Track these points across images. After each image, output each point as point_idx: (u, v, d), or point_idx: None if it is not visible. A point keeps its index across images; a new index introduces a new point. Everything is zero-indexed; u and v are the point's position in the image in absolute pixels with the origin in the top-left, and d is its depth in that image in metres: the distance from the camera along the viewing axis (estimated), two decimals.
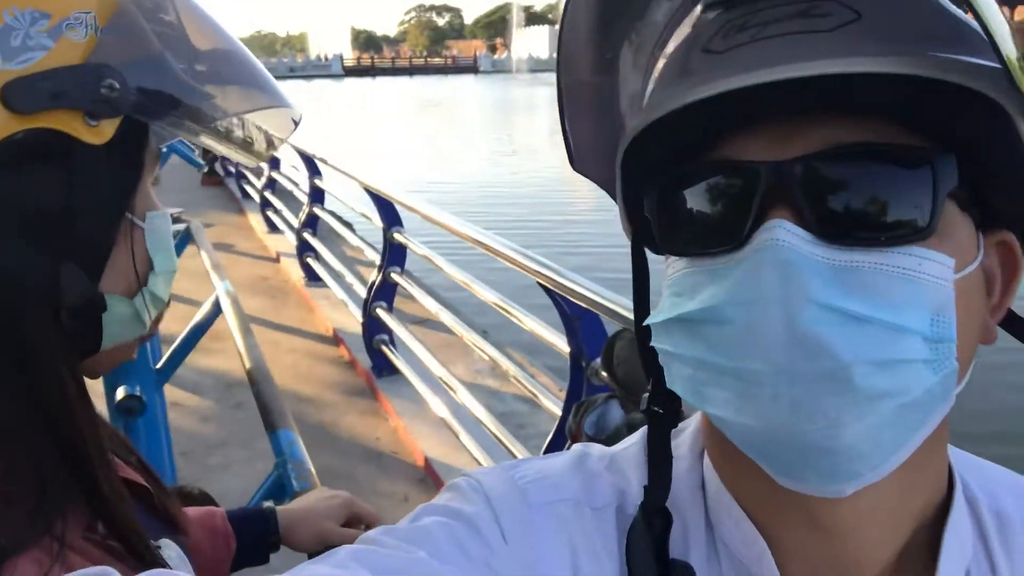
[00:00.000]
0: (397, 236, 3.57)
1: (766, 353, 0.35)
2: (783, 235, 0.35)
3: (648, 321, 0.43)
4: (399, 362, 3.51)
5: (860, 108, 0.37)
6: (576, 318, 2.05)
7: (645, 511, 0.44)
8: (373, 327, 3.72)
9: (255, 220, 7.45)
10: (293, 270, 5.65)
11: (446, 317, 3.14)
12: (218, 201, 9.00)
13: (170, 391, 2.09)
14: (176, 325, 1.78)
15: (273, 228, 6.85)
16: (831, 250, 0.36)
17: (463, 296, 3.43)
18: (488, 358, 2.77)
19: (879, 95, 0.36)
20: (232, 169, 9.20)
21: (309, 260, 5.33)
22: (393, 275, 3.65)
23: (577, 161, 0.50)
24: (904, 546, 0.42)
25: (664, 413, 0.47)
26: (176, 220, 2.34)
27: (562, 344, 2.17)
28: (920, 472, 0.41)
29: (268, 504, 0.91)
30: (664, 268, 0.44)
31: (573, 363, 2.13)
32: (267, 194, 6.96)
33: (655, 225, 0.43)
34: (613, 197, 0.47)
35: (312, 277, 5.30)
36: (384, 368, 3.72)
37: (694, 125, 0.39)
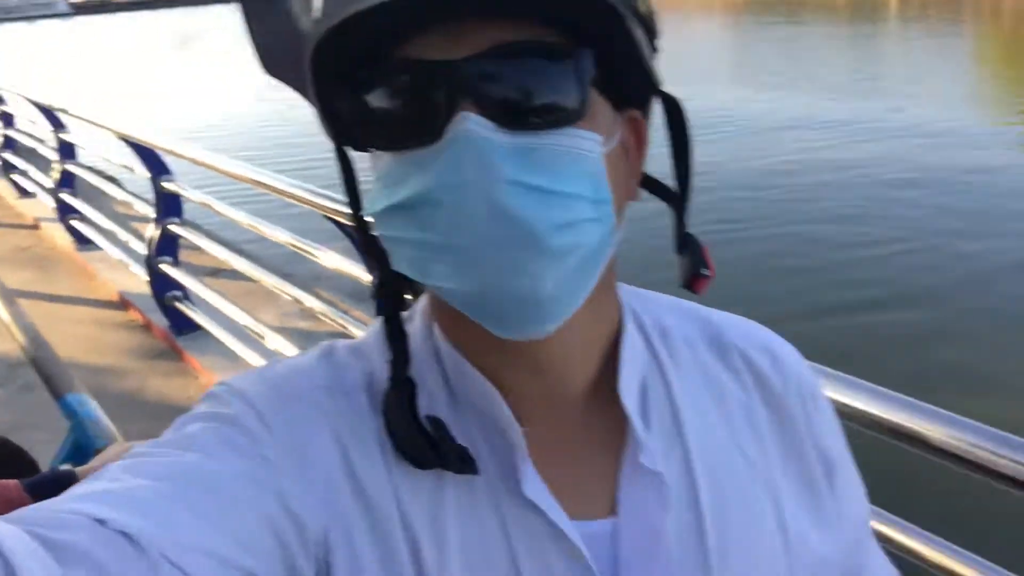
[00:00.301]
0: (168, 185, 3.35)
1: (473, 227, 0.41)
2: (472, 126, 0.41)
3: (368, 211, 0.47)
4: (199, 317, 3.37)
5: (517, 12, 0.43)
6: None
7: (393, 380, 0.49)
8: (162, 284, 3.51)
9: (1, 186, 6.55)
10: (58, 236, 5.11)
11: (241, 264, 3.03)
12: None
13: None
14: None
15: (24, 193, 6.08)
16: (511, 135, 0.42)
17: (259, 243, 3.33)
18: (294, 300, 2.73)
19: (530, 3, 0.42)
20: None
21: (74, 223, 4.85)
22: (172, 227, 3.44)
23: (269, 67, 0.51)
24: (596, 371, 0.52)
25: (393, 295, 0.51)
26: None
27: (364, 274, 2.19)
28: (600, 307, 0.50)
29: (66, 467, 0.92)
30: (369, 163, 0.47)
31: None
32: (6, 156, 6.11)
33: (355, 124, 0.46)
34: (309, 100, 0.48)
35: (82, 240, 4.82)
36: (184, 326, 3.54)
37: (372, 26, 0.42)
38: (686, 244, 0.52)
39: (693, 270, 0.52)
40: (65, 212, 4.90)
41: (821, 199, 7.20)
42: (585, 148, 0.44)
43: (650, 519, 0.49)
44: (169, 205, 3.45)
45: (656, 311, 0.57)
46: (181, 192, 3.33)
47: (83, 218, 4.75)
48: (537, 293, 0.42)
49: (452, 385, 0.51)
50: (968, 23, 27.28)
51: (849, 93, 12.97)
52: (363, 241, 0.51)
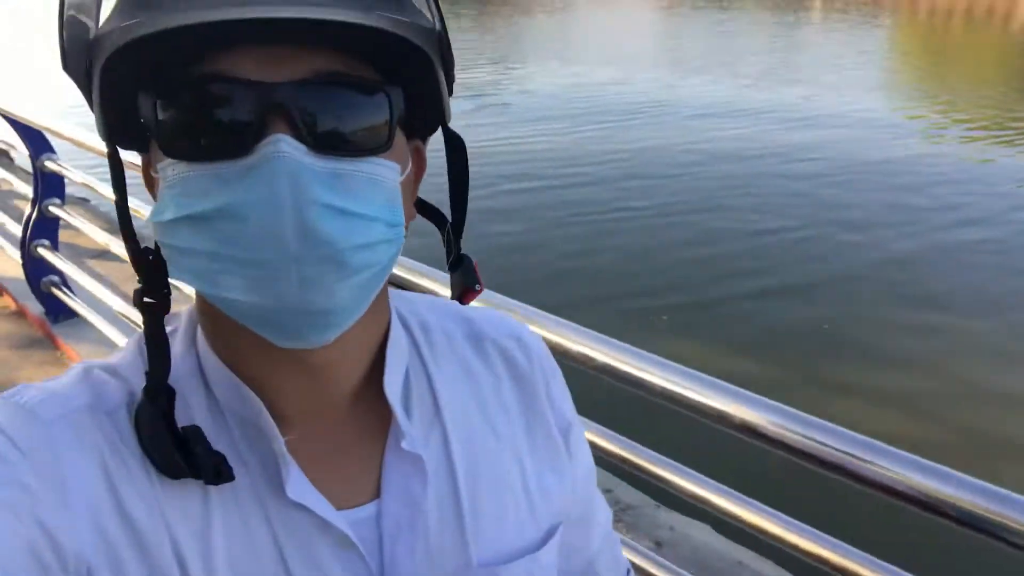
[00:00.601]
0: (49, 165, 3.18)
1: (279, 244, 0.42)
2: (286, 148, 0.42)
3: (154, 219, 0.46)
4: (76, 304, 3.21)
5: (333, 45, 0.45)
6: None
7: (148, 391, 0.49)
8: (38, 268, 3.32)
9: None
10: None
11: (124, 249, 2.89)
12: None
13: None
14: None
15: None
16: (322, 159, 0.44)
17: (148, 228, 3.20)
18: (175, 286, 2.62)
19: (349, 39, 0.44)
20: None
21: None
22: (52, 208, 3.27)
23: (65, 64, 0.50)
24: (366, 370, 0.55)
25: (158, 303, 0.51)
26: None
27: None
28: (375, 311, 0.52)
29: None
30: (161, 170, 0.46)
31: None
32: None
33: (154, 130, 0.45)
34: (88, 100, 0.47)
35: None
36: (60, 312, 3.37)
37: (176, 42, 0.42)
38: (459, 262, 0.59)
39: (466, 284, 0.58)
40: None
41: (720, 188, 7.48)
42: (387, 176, 0.47)
43: (411, 495, 0.54)
44: (49, 185, 3.27)
45: (418, 310, 0.63)
46: (63, 172, 3.17)
47: None
48: (329, 307, 0.45)
49: (216, 396, 0.52)
50: (888, 16, 29.01)
51: (768, 81, 13.53)
52: (132, 250, 0.50)
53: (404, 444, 0.54)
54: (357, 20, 0.42)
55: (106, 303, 2.97)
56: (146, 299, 0.51)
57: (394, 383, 0.55)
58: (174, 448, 0.47)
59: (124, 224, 0.50)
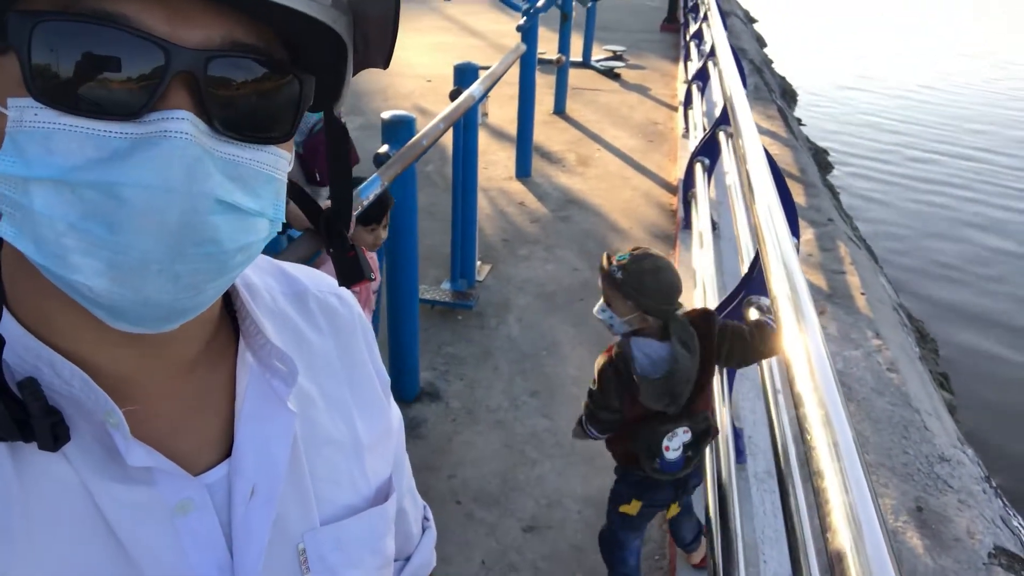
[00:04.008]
0: None
1: (160, 234, 0.37)
2: (189, 128, 0.37)
3: (5, 170, 0.38)
4: None
5: (253, 13, 0.40)
6: None
7: None
8: None
9: None
10: None
11: None
12: None
13: None
14: None
15: None
16: (224, 144, 0.40)
17: None
18: None
19: (267, 9, 0.38)
20: None
21: None
22: None
23: None
24: (207, 336, 0.51)
25: None
26: None
27: None
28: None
29: None
30: (15, 108, 0.38)
31: None
32: None
33: (23, 58, 0.37)
34: None
35: None
36: None
37: None
38: (345, 251, 0.59)
39: (358, 276, 0.58)
40: None
41: None
42: (281, 169, 0.44)
43: (267, 455, 0.51)
44: None
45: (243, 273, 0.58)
46: None
47: None
48: (194, 302, 0.42)
49: (11, 369, 0.44)
50: None
51: None
52: None
53: (247, 404, 0.52)
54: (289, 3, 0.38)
55: None
56: None
57: (242, 346, 0.53)
58: (2, 403, 0.41)
59: None
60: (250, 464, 0.51)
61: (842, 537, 0.79)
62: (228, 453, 0.51)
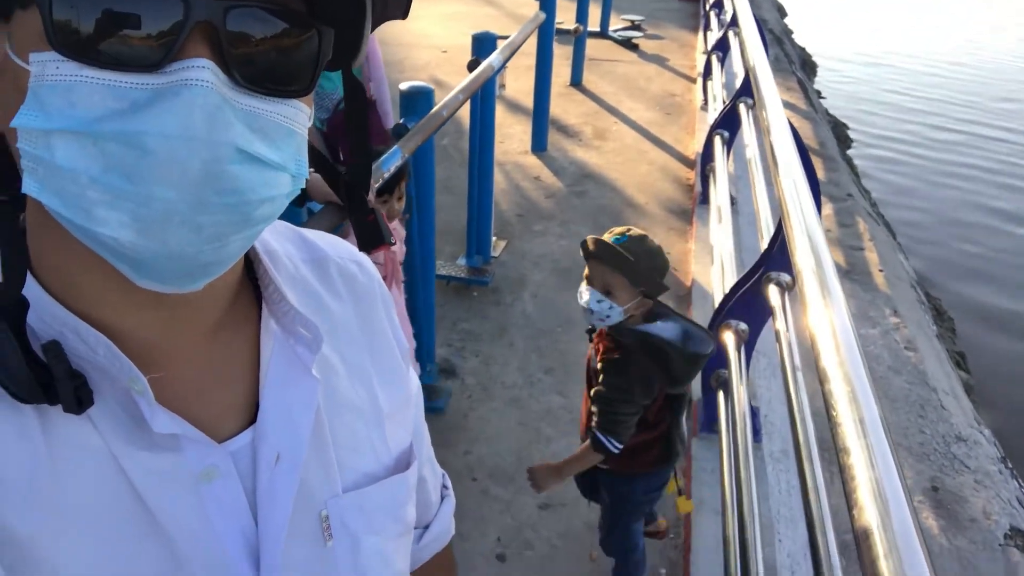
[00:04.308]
0: None
1: (182, 184, 0.37)
2: (209, 77, 0.37)
3: (18, 124, 0.38)
4: None
5: None
6: None
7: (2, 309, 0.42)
8: None
9: None
10: None
11: None
12: None
13: None
14: None
15: None
16: (244, 95, 0.39)
17: None
18: None
19: None
20: None
21: None
22: None
23: None
24: (230, 299, 0.51)
25: (9, 201, 0.43)
26: None
27: None
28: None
29: None
30: (37, 62, 0.38)
31: None
32: None
33: (45, 12, 0.37)
34: None
35: None
36: None
37: None
38: (365, 214, 0.60)
39: (377, 240, 0.59)
40: None
41: None
42: (301, 123, 0.44)
43: (291, 422, 0.52)
44: None
45: (262, 236, 0.58)
46: None
47: None
48: (218, 256, 0.41)
49: (58, 342, 0.43)
50: None
51: None
52: None
53: (272, 372, 0.52)
54: None
55: None
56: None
57: (265, 312, 0.53)
58: (27, 366, 0.40)
59: None
60: (275, 431, 0.51)
61: (868, 514, 0.79)
62: (251, 420, 0.51)
